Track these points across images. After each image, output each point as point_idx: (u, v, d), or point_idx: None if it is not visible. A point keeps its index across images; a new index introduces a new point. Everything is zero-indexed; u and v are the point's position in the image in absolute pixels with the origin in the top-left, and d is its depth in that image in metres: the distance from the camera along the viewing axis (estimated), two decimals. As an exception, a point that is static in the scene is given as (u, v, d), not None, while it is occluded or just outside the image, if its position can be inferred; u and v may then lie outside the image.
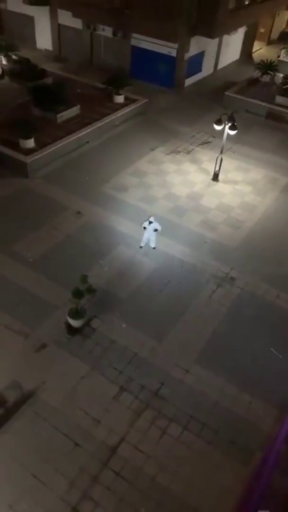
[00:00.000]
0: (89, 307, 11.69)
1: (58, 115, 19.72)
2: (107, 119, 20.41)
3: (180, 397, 10.24)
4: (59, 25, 27.37)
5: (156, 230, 13.53)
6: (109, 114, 20.82)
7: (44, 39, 28.54)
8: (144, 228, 13.53)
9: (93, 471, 8.86)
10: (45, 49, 28.58)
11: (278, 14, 32.04)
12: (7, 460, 8.89)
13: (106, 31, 25.46)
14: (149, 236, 13.80)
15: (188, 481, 8.86)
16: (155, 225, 13.46)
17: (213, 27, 22.55)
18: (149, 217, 13.56)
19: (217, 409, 10.08)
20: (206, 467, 9.08)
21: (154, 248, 14.09)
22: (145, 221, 13.51)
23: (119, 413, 9.84)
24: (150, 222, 13.42)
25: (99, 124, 19.96)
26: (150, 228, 13.48)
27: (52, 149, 17.82)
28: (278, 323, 12.23)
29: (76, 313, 11.34)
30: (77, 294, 10.99)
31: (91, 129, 19.53)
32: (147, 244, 14.07)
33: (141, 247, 14.11)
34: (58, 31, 27.65)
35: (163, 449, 9.29)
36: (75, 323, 11.42)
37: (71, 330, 11.46)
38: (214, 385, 10.55)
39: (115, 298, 12.47)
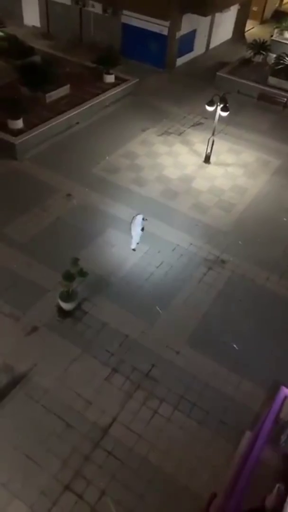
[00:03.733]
0: (80, 290, 11.66)
1: (47, 95, 19.25)
2: (97, 99, 20.00)
3: (171, 378, 10.36)
4: (47, 0, 26.51)
5: (142, 229, 12.78)
6: (99, 94, 20.40)
7: (31, 16, 27.63)
8: (142, 229, 12.74)
9: (85, 451, 8.99)
10: (33, 26, 27.72)
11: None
12: (0, 442, 8.96)
13: (95, 8, 24.74)
14: (138, 236, 13.01)
15: (178, 460, 9.03)
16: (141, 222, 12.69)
17: (205, 5, 22.02)
18: (137, 215, 12.71)
19: (207, 389, 10.23)
20: (197, 446, 9.27)
21: (134, 250, 13.37)
22: (135, 219, 12.64)
23: (110, 394, 9.94)
24: (144, 219, 12.63)
25: (89, 104, 19.56)
26: (139, 225, 12.65)
27: (41, 129, 17.46)
28: (267, 305, 12.35)
29: (67, 296, 11.31)
30: (68, 277, 10.94)
31: (81, 109, 19.15)
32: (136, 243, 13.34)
33: (134, 249, 13.36)
34: (46, 7, 26.77)
35: (154, 429, 9.44)
36: (66, 306, 11.41)
37: (63, 313, 11.45)
38: (205, 366, 10.69)
39: (106, 281, 12.45)
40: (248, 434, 9.00)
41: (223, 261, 13.47)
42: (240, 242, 14.13)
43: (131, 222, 12.87)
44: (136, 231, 12.90)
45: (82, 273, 10.99)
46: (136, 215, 12.78)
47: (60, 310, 11.47)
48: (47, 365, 10.33)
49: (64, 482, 8.53)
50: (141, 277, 12.74)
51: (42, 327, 11.13)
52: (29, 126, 17.39)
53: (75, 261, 10.96)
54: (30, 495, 8.32)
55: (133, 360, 10.62)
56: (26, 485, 8.42)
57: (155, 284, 12.58)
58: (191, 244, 13.96)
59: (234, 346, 11.20)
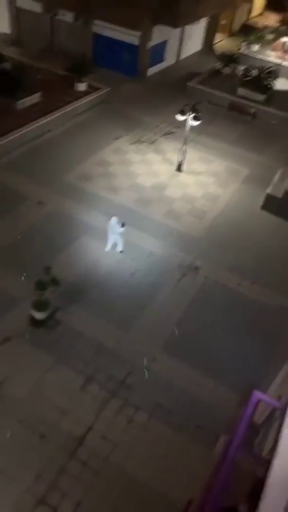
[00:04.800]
0: (53, 299, 11.52)
1: (19, 102, 19.10)
2: (69, 107, 20.00)
3: (147, 385, 10.36)
4: (17, 8, 26.34)
5: (123, 225, 12.81)
6: (72, 102, 20.41)
7: (1, 23, 27.38)
8: (123, 225, 12.75)
9: (60, 462, 8.83)
10: (3, 33, 27.46)
11: (239, 6, 32.39)
12: (-29, 456, 8.70)
13: (67, 16, 24.79)
14: (115, 238, 13.24)
15: (155, 467, 9.01)
16: (119, 228, 12.82)
17: (175, 17, 22.50)
18: (112, 217, 12.82)
19: (183, 395, 10.29)
20: (173, 453, 9.28)
21: (121, 252, 13.58)
22: (110, 222, 12.82)
23: (85, 404, 9.83)
24: (123, 225, 12.73)
25: (61, 112, 19.52)
26: (117, 229, 12.82)
27: (12, 137, 17.28)
28: (240, 309, 12.59)
29: (40, 305, 11.15)
30: (41, 285, 10.79)
31: (53, 117, 19.08)
32: (113, 247, 13.53)
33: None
34: (17, 14, 26.61)
35: (130, 437, 9.39)
36: (39, 315, 11.24)
37: (35, 322, 11.27)
38: (180, 372, 10.75)
39: (80, 289, 12.36)
40: (223, 439, 9.10)
41: (196, 268, 13.65)
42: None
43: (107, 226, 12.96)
44: (113, 233, 13.01)
45: (55, 282, 10.86)
46: (111, 218, 12.85)
47: (33, 319, 11.29)
48: (20, 376, 10.12)
49: (38, 496, 8.34)
50: (116, 284, 12.72)
51: (15, 337, 10.91)
52: (0, 133, 17.15)
53: (47, 269, 10.83)
54: (2, 511, 8.09)
55: (108, 368, 10.56)
56: (-1, 500, 8.20)
57: (129, 291, 12.59)
58: (165, 251, 14.08)
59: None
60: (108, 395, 10.03)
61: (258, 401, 8.30)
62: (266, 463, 6.17)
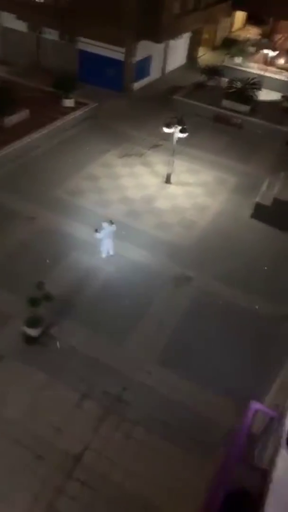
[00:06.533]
0: (46, 315, 11.42)
1: (6, 119, 19.18)
2: (57, 123, 20.14)
3: (143, 399, 10.25)
4: (2, 27, 26.63)
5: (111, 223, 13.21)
6: (59, 118, 20.55)
7: (-14, 41, 27.61)
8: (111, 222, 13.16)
9: (58, 482, 8.65)
10: (-11, 52, 27.66)
11: (221, 21, 33.11)
12: None
13: (52, 34, 25.11)
14: (108, 243, 13.50)
15: (155, 483, 8.85)
16: (110, 228, 13.21)
17: (158, 32, 22.92)
18: (102, 223, 13.14)
19: (179, 408, 10.18)
20: (173, 468, 9.14)
21: (112, 255, 13.87)
22: (102, 228, 13.05)
23: (82, 421, 9.68)
24: (111, 222, 13.15)
25: (49, 128, 19.64)
26: (109, 232, 13.16)
27: (1, 154, 17.29)
28: (233, 319, 12.58)
29: (32, 322, 11.04)
30: (33, 302, 10.71)
31: (41, 133, 19.19)
32: (108, 252, 13.80)
33: (102, 256, 13.75)
34: (2, 33, 26.88)
35: (128, 454, 9.25)
36: (32, 332, 11.12)
37: (29, 339, 11.14)
38: (175, 385, 10.66)
39: (73, 305, 12.28)
40: (222, 451, 9.00)
41: (188, 278, 13.66)
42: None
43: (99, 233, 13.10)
44: (106, 238, 13.26)
45: (48, 298, 10.78)
46: (102, 224, 13.08)
47: (26, 336, 11.16)
48: (14, 394, 9.96)
49: (36, 518, 8.15)
50: (108, 298, 12.66)
51: (8, 355, 10.76)
52: (-12, 150, 17.21)
53: (40, 285, 10.76)
54: (0, 535, 7.89)
55: (103, 384, 10.44)
56: (-5, 525, 7.99)
57: (122, 304, 12.53)
58: (156, 262, 14.09)
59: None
60: (104, 412, 9.90)
61: (256, 412, 8.25)
62: (266, 474, 6.11)
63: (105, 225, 13.13)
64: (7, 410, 9.65)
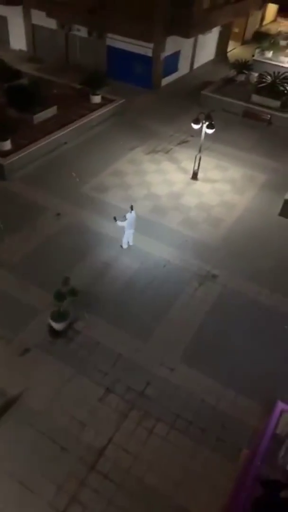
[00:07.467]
0: (72, 309, 11.56)
1: (35, 116, 19.47)
2: (84, 120, 20.27)
3: (166, 396, 10.24)
4: (33, 25, 27.04)
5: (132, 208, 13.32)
6: (87, 114, 20.69)
7: (18, 40, 28.15)
8: (127, 215, 13.18)
9: (81, 475, 8.77)
10: (20, 50, 28.19)
11: (252, 14, 32.48)
12: (-8, 468, 8.72)
13: (81, 31, 25.30)
14: (129, 234, 13.68)
15: (176, 480, 8.85)
16: (132, 216, 13.31)
17: (188, 27, 22.69)
18: (127, 214, 13.27)
19: (203, 406, 10.12)
20: (195, 466, 9.11)
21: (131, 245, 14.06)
22: (124, 218, 13.22)
23: (105, 415, 9.77)
24: (132, 208, 13.25)
25: (76, 124, 19.81)
26: (131, 222, 13.30)
27: (29, 150, 17.59)
28: (259, 318, 12.37)
29: (58, 316, 11.21)
30: (59, 296, 10.86)
31: (68, 129, 19.37)
32: (128, 243, 14.01)
33: (121, 246, 14.00)
34: (32, 31, 27.31)
35: (150, 449, 9.27)
36: (58, 326, 11.29)
37: (54, 333, 11.32)
38: (199, 382, 10.59)
39: (98, 299, 12.38)
40: (245, 452, 8.89)
41: (214, 276, 13.52)
42: None
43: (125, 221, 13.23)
44: (129, 228, 13.41)
45: (73, 292, 10.92)
46: (126, 215, 13.22)
47: (52, 330, 11.34)
48: (40, 387, 10.15)
49: (59, 509, 8.29)
50: (133, 294, 12.70)
51: (34, 348, 10.97)
52: (18, 147, 17.52)
53: (66, 280, 10.90)
54: (25, 524, 8.06)
55: (127, 379, 10.49)
56: (20, 513, 8.17)
57: (147, 301, 12.54)
58: (181, 259, 14.01)
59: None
60: (127, 407, 9.95)
61: (281, 413, 8.10)
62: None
63: (128, 215, 13.21)
64: (33, 401, 9.84)
